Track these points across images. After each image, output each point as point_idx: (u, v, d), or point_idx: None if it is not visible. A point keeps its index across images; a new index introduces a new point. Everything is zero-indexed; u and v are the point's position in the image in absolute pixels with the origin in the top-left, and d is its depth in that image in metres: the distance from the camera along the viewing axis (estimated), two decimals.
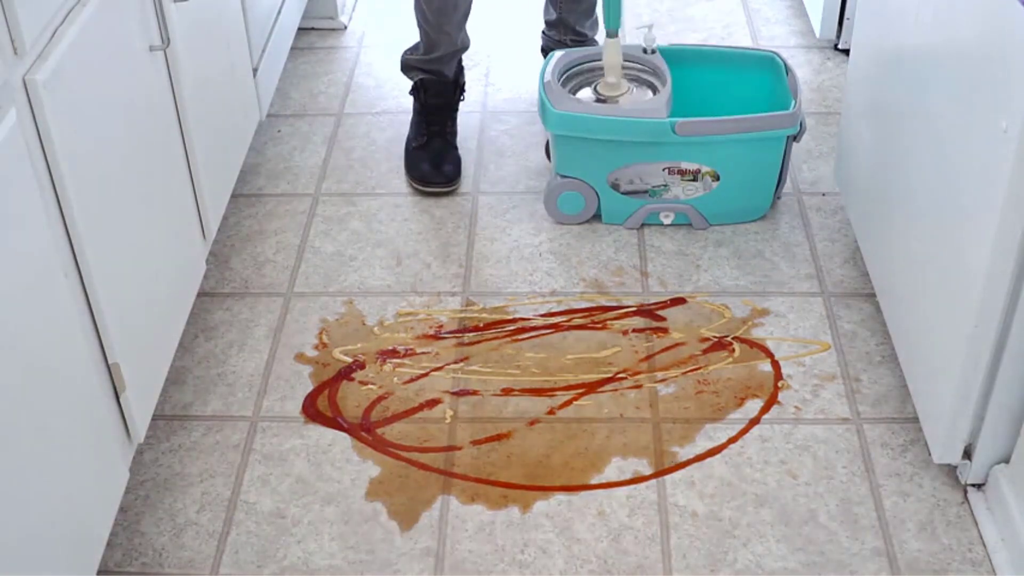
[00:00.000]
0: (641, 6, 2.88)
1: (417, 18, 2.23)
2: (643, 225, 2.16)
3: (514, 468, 1.71)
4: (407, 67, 2.32)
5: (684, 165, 2.08)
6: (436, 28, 2.20)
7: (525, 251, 2.12)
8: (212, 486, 1.70)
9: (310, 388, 1.85)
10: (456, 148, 2.29)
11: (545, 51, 2.44)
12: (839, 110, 2.43)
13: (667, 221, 2.15)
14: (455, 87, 2.30)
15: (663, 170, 2.09)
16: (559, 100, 2.08)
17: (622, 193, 2.13)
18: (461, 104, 2.35)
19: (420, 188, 2.24)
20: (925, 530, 1.61)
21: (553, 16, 2.38)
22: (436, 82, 2.27)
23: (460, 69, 2.31)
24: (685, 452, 1.73)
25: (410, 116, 2.35)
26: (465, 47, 2.28)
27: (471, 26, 2.73)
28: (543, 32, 2.44)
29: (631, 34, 2.77)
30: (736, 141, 2.05)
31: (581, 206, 2.16)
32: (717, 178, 2.09)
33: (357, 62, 2.71)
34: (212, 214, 1.93)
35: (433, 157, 2.25)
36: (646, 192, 2.12)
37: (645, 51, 2.20)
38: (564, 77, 2.18)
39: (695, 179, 2.10)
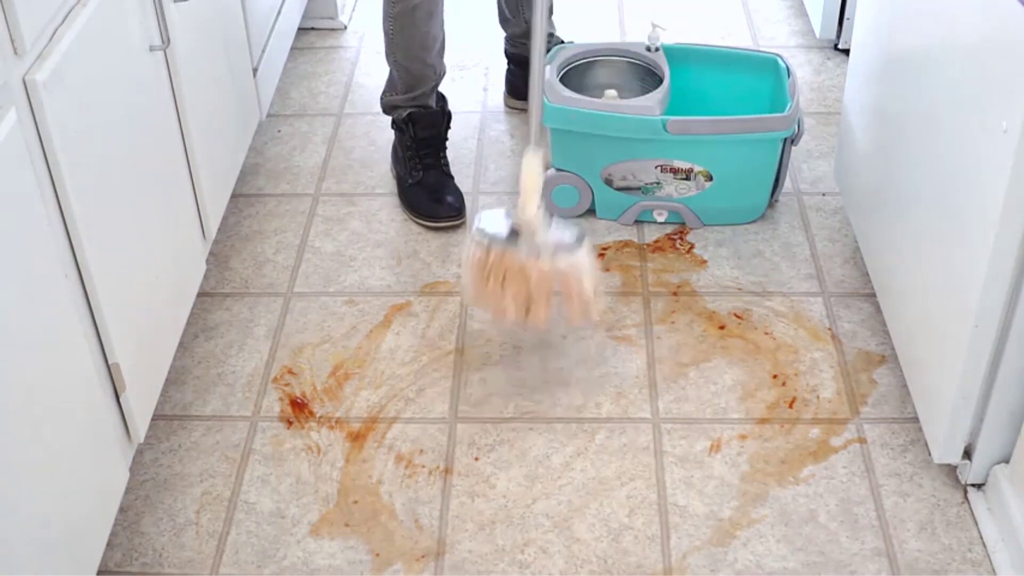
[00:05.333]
0: (641, 5, 2.88)
1: (394, 59, 2.18)
2: (640, 223, 2.16)
3: (514, 468, 1.71)
4: (390, 107, 2.26)
5: (676, 164, 2.09)
6: (420, 63, 2.16)
7: None
8: (212, 486, 1.70)
9: (310, 388, 1.85)
10: (453, 178, 2.23)
11: (514, 59, 2.46)
12: (839, 110, 2.43)
13: (661, 219, 2.15)
14: (443, 115, 2.24)
15: (656, 168, 2.09)
16: (554, 94, 2.09)
17: (616, 189, 2.13)
18: (451, 129, 2.29)
19: (427, 224, 2.18)
20: (925, 530, 1.61)
21: (521, 28, 2.39)
22: (425, 114, 2.21)
23: (443, 99, 2.27)
24: (685, 452, 1.73)
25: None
26: (443, 74, 2.23)
27: (471, 27, 2.74)
28: (512, 43, 2.45)
29: (634, 32, 2.77)
30: (729, 142, 2.05)
31: (575, 200, 2.16)
32: (710, 178, 2.09)
33: (357, 62, 2.71)
34: (212, 214, 1.93)
35: (433, 191, 2.19)
36: (639, 189, 2.13)
37: (648, 49, 2.20)
38: (563, 73, 2.19)
39: (688, 178, 2.10)
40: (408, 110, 2.22)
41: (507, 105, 2.53)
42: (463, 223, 2.18)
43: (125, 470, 1.56)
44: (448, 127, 2.26)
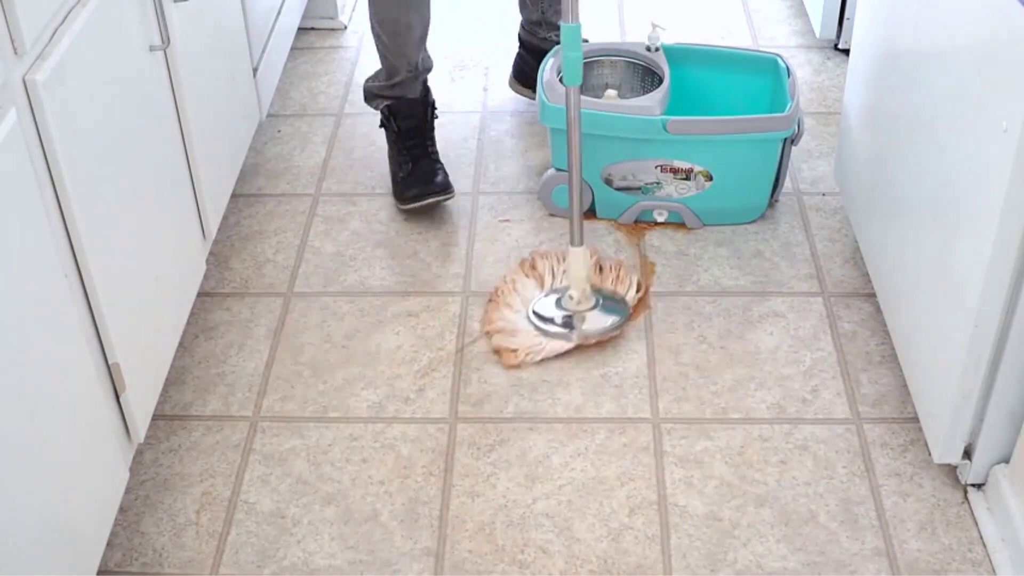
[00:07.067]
0: (641, 5, 2.88)
1: (376, 45, 2.19)
2: (640, 223, 2.16)
3: (514, 468, 1.71)
4: (370, 95, 2.26)
5: (676, 164, 2.08)
6: (394, 51, 2.15)
7: (525, 251, 2.12)
8: (212, 486, 1.70)
9: (310, 388, 1.85)
10: (442, 164, 2.21)
11: (527, 46, 2.44)
12: (839, 110, 2.43)
13: (660, 219, 2.15)
14: (424, 105, 2.23)
15: (656, 168, 2.09)
16: (554, 94, 2.09)
17: (616, 189, 2.13)
18: (440, 120, 2.28)
19: (416, 205, 2.16)
20: (925, 530, 1.61)
21: (537, 16, 2.38)
22: (403, 104, 2.20)
23: (426, 89, 2.25)
24: (685, 452, 1.73)
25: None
26: (427, 69, 2.22)
27: (471, 26, 2.73)
28: (527, 30, 2.42)
29: (634, 32, 2.77)
30: (729, 142, 2.05)
31: None
32: (710, 178, 2.09)
33: (357, 62, 2.71)
34: (212, 214, 1.93)
35: (421, 177, 2.17)
36: (639, 189, 2.13)
37: (648, 49, 2.20)
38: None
39: (688, 178, 2.10)
40: (387, 101, 2.21)
41: (511, 88, 2.51)
42: (451, 198, 2.16)
43: (125, 470, 1.56)
44: (433, 116, 2.24)
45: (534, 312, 1.95)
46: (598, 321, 1.93)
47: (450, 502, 1.66)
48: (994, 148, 1.36)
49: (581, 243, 1.90)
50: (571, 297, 1.94)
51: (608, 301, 1.97)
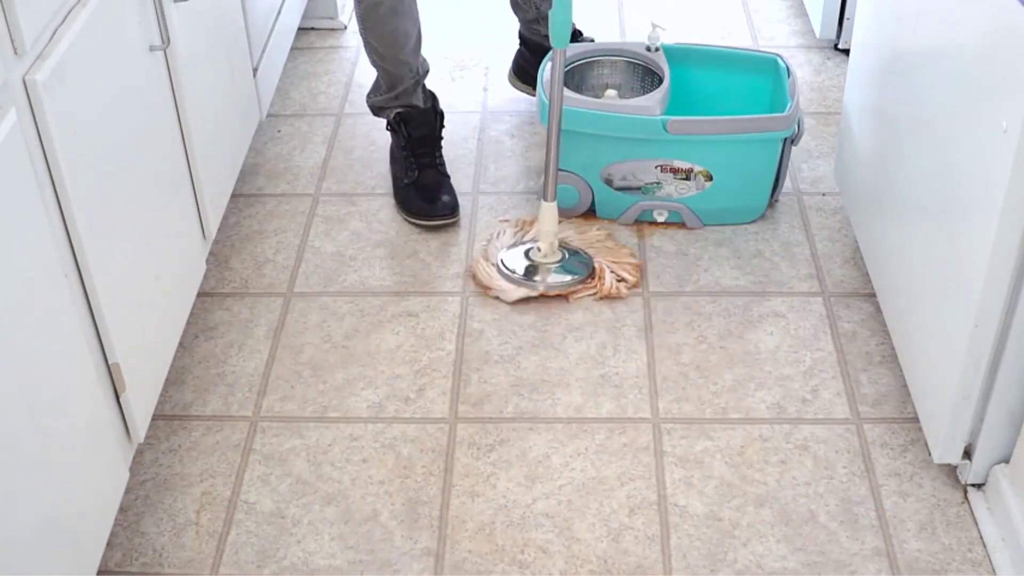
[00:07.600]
0: (641, 5, 2.88)
1: (372, 59, 2.19)
2: (640, 223, 2.16)
3: (514, 468, 1.71)
4: (377, 109, 2.26)
5: (677, 164, 2.08)
6: (394, 61, 2.15)
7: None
8: (212, 486, 1.70)
9: (310, 388, 1.85)
10: (449, 177, 2.22)
11: (528, 43, 2.44)
12: (839, 110, 2.43)
13: (660, 219, 2.15)
14: (435, 114, 2.23)
15: (656, 168, 2.09)
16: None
17: (615, 189, 2.13)
18: (446, 127, 2.29)
19: (420, 223, 2.17)
20: (925, 530, 1.61)
21: (532, 14, 2.37)
22: (414, 113, 2.20)
23: (434, 98, 2.25)
24: (685, 452, 1.73)
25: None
26: (427, 71, 2.22)
27: (471, 27, 2.73)
28: (527, 28, 2.42)
29: (634, 32, 2.77)
30: (729, 142, 2.05)
31: (575, 200, 2.16)
32: (710, 178, 2.09)
33: (357, 62, 2.71)
34: (212, 214, 1.93)
35: (428, 191, 2.18)
36: (639, 189, 2.13)
37: (648, 49, 2.20)
38: (563, 72, 2.18)
39: (688, 178, 2.10)
40: (395, 110, 2.21)
41: (510, 83, 2.52)
42: (456, 222, 2.17)
43: (125, 470, 1.56)
44: (442, 126, 2.25)
45: (502, 261, 2.05)
46: (560, 276, 2.03)
47: (450, 502, 1.66)
48: (994, 148, 1.36)
49: (552, 199, 1.99)
50: (538, 249, 2.03)
51: (574, 258, 2.05)
